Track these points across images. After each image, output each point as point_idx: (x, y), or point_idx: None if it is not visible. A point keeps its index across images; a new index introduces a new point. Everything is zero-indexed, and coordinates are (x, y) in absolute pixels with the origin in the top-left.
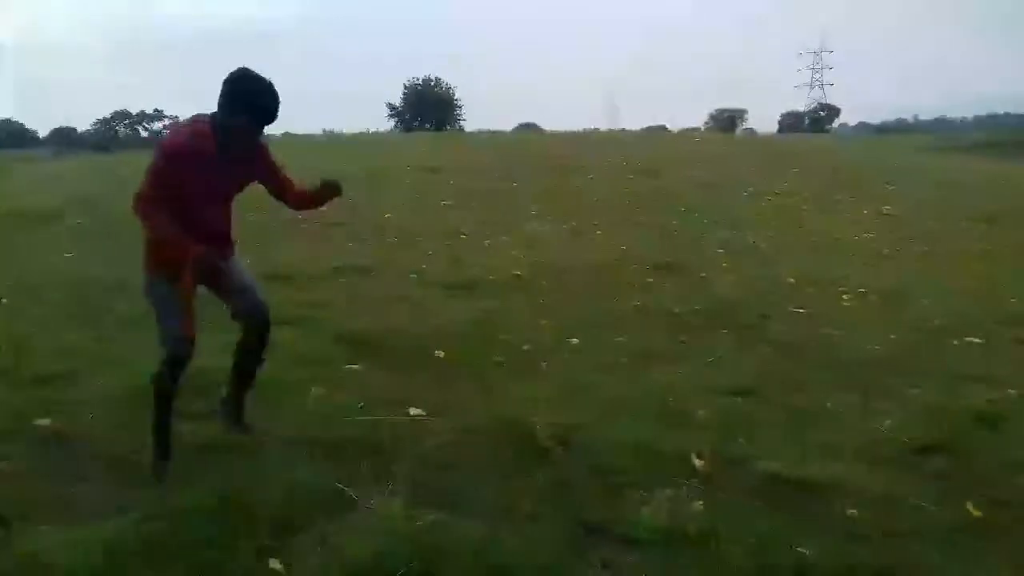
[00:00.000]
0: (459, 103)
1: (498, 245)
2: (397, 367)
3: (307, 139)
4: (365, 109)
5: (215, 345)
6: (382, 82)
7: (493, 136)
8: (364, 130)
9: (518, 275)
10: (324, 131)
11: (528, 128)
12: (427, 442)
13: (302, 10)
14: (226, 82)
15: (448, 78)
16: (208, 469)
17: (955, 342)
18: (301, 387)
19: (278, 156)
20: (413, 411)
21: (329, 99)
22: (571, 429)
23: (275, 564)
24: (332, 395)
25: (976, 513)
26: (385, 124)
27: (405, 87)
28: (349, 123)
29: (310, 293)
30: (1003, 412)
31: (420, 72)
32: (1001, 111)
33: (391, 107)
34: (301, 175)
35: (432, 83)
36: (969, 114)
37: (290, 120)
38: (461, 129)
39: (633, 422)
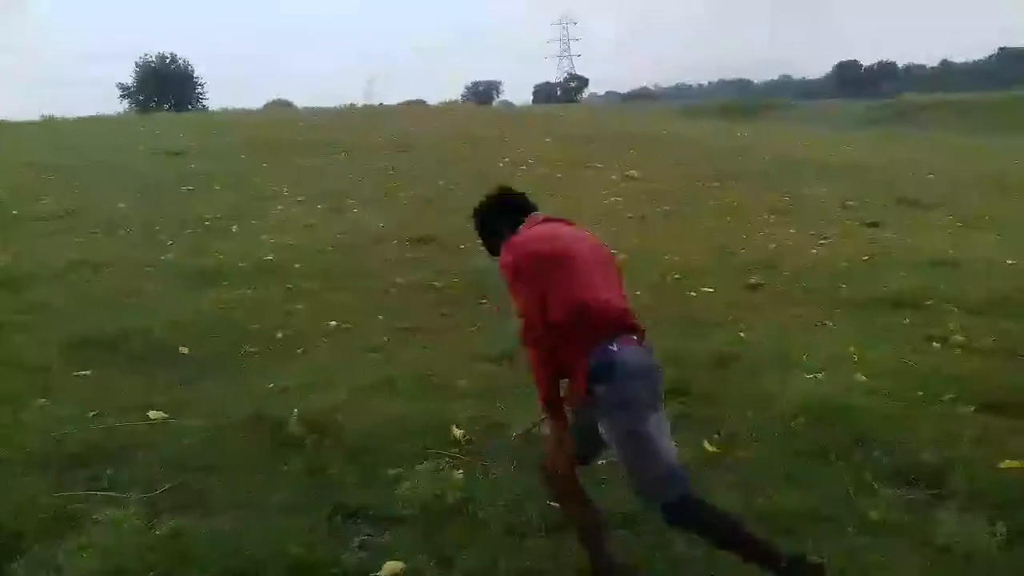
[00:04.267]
0: (200, 80)
1: (246, 230)
2: (135, 369)
3: (21, 127)
4: (96, 92)
5: None
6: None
7: (240, 114)
8: (94, 114)
9: (269, 260)
10: (43, 116)
11: (280, 105)
12: (169, 445)
13: None
14: None
15: (186, 54)
16: None
17: (693, 293)
18: (20, 399)
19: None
20: (153, 414)
21: (51, 84)
22: (327, 414)
23: None
24: (58, 405)
25: (711, 449)
26: (118, 107)
27: (137, 65)
28: (76, 108)
29: (32, 295)
30: (734, 353)
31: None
32: (732, 77)
33: (123, 87)
34: (11, 168)
35: (168, 60)
36: (704, 80)
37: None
38: (204, 108)
39: (393, 400)
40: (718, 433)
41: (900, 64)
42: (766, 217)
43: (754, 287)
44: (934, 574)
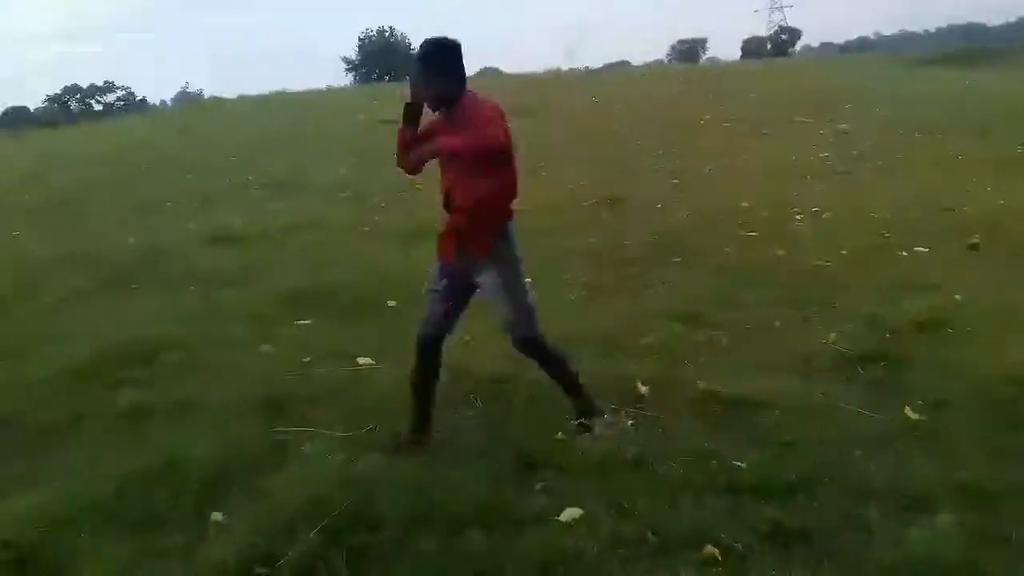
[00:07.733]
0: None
1: None
2: (347, 320)
3: (258, 100)
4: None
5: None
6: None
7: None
8: (324, 87)
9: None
10: (273, 92)
11: (489, 72)
12: (371, 390)
13: None
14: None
15: (404, 27)
16: (148, 434)
17: (904, 253)
18: (247, 346)
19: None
20: (361, 360)
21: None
22: (511, 367)
23: (217, 516)
24: (280, 351)
25: (913, 416)
26: (344, 80)
27: (360, 39)
28: (306, 82)
29: (257, 253)
30: (945, 318)
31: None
32: (963, 21)
33: (347, 61)
34: (247, 137)
35: (387, 33)
36: (931, 27)
37: (242, 81)
38: None
39: (578, 355)
40: (922, 400)
41: None
42: (992, 171)
43: (975, 247)
44: None
